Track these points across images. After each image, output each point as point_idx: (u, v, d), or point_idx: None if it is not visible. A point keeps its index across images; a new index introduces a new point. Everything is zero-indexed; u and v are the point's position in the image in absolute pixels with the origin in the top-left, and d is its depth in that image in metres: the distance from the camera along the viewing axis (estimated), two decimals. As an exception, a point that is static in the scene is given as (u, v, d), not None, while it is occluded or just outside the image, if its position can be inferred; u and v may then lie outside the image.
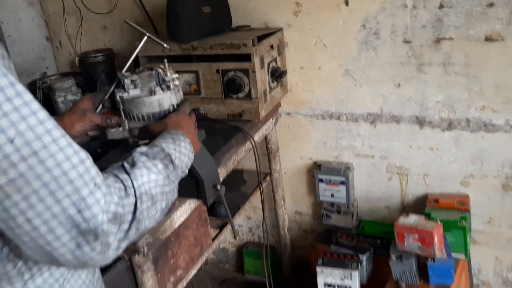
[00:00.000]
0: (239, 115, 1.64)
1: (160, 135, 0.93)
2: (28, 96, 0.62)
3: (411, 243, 1.54)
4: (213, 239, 1.60)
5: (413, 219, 1.57)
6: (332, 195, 1.91)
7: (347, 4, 1.67)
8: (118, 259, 1.19)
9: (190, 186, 1.17)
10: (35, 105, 0.62)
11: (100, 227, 0.65)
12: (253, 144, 1.63)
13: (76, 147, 0.66)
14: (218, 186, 1.17)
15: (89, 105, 1.15)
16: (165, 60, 1.08)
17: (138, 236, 0.79)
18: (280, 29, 1.79)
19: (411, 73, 1.66)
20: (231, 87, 1.59)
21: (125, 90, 1.10)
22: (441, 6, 1.54)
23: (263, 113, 1.65)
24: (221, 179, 1.51)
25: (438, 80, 1.63)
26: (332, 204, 1.94)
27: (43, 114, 0.63)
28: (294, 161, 2.03)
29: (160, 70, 1.09)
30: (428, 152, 1.74)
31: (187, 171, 0.95)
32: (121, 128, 1.13)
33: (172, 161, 0.86)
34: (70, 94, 1.82)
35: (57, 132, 0.64)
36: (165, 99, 1.07)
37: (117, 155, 1.32)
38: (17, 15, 2.18)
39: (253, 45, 1.55)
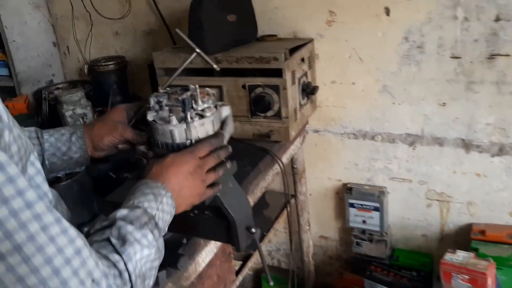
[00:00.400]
0: (266, 135, 1.48)
1: (139, 187, 0.77)
2: (12, 169, 0.47)
3: (459, 284, 1.37)
4: (237, 274, 1.44)
5: (461, 256, 1.41)
6: (364, 222, 1.74)
7: (388, 14, 1.50)
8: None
9: (219, 228, 1.01)
10: (22, 181, 0.48)
11: None
12: (282, 168, 1.46)
13: (73, 232, 0.52)
14: (253, 229, 1.00)
15: (122, 116, 1.03)
16: (197, 86, 0.91)
17: None
18: (311, 40, 1.62)
19: (458, 91, 1.49)
20: (259, 105, 1.43)
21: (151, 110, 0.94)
22: (497, 19, 1.37)
23: (293, 133, 1.49)
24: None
25: (489, 101, 1.46)
26: (363, 231, 1.77)
27: (31, 194, 0.48)
28: (321, 182, 1.87)
29: (198, 92, 0.91)
30: (474, 179, 1.57)
31: (166, 229, 0.80)
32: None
33: (156, 225, 0.73)
34: (79, 108, 1.66)
35: (49, 216, 0.49)
36: (178, 132, 0.88)
37: (133, 184, 1.16)
38: (22, 18, 2.02)
39: (285, 59, 1.39)
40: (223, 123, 0.96)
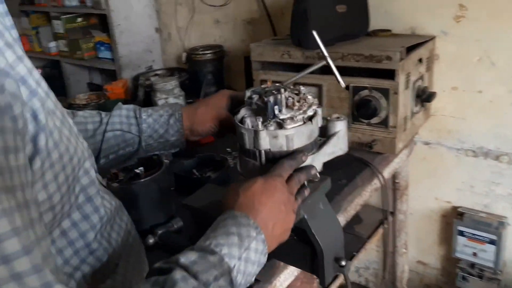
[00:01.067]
0: (368, 145, 1.29)
1: (225, 220, 0.60)
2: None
3: None
4: (320, 296, 1.28)
5: None
6: (475, 254, 1.48)
7: (535, 10, 1.22)
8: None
9: (302, 254, 0.86)
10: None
11: None
12: (383, 184, 1.27)
13: None
14: (343, 262, 0.84)
15: (226, 103, 0.93)
16: (282, 92, 0.75)
17: None
18: (432, 38, 1.39)
19: None
20: (364, 110, 1.24)
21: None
22: None
23: (400, 145, 1.29)
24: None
25: None
26: (473, 265, 1.51)
27: (12, 244, 0.36)
28: (425, 202, 1.63)
29: (282, 96, 0.76)
30: None
31: (253, 280, 0.62)
32: None
33: (232, 282, 0.54)
34: (172, 97, 1.60)
35: (34, 277, 0.37)
36: (248, 138, 0.74)
37: (212, 190, 1.05)
38: (128, 2, 2.03)
39: (401, 58, 1.19)
40: (327, 140, 0.80)
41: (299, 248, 0.86)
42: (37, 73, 0.45)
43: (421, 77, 1.34)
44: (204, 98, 1.00)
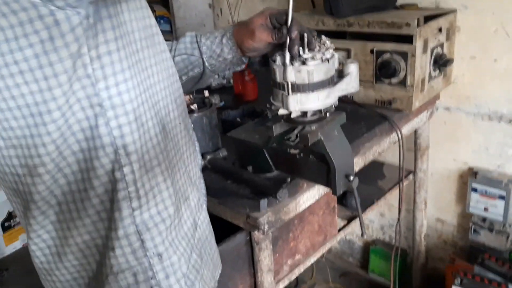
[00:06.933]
0: (388, 102, 1.48)
1: None
2: None
3: None
4: (339, 231, 1.50)
5: None
6: (486, 209, 1.64)
7: (546, -16, 1.36)
8: (238, 231, 1.16)
9: (320, 171, 1.08)
10: None
11: None
12: (400, 137, 1.46)
13: None
14: (351, 177, 1.05)
15: (264, 21, 0.94)
16: (305, 38, 0.97)
17: None
18: (454, 11, 1.56)
19: None
20: (385, 70, 1.44)
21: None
22: None
23: (417, 103, 1.47)
24: (357, 169, 1.40)
25: None
26: (484, 219, 1.67)
27: None
28: (445, 163, 1.79)
29: (305, 41, 0.96)
30: None
31: None
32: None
33: None
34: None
35: None
36: (278, 72, 0.92)
37: (251, 127, 1.28)
38: (187, -21, 2.29)
39: (418, 25, 1.37)
40: (342, 78, 1.01)
41: (317, 168, 1.08)
42: None
43: (440, 45, 1.51)
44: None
